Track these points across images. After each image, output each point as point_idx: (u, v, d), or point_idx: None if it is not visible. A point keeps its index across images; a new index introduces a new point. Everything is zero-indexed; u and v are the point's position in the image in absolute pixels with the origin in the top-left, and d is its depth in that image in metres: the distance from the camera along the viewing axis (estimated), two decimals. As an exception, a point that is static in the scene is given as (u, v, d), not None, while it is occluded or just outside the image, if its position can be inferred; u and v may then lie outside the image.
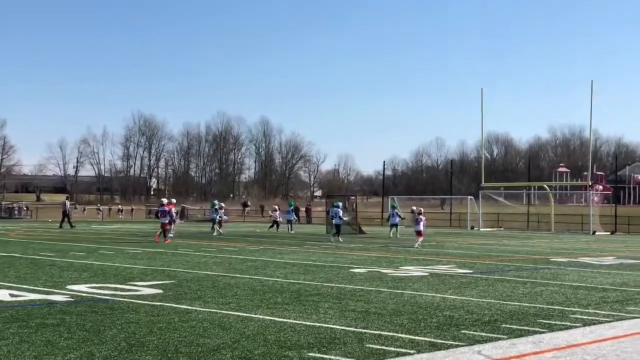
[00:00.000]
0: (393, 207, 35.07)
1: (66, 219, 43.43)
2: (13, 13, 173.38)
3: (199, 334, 8.20)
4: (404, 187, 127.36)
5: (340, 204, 32.71)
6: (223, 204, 38.43)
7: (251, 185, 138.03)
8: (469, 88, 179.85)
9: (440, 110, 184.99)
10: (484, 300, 11.70)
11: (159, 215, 29.64)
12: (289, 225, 40.25)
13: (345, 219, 32.82)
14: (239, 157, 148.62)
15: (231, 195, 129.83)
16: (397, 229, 34.26)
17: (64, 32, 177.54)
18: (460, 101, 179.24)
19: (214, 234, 34.18)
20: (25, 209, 72.75)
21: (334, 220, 30.80)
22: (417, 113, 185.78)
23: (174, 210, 31.39)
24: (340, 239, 29.66)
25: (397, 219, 34.41)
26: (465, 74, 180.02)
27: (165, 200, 30.57)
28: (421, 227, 27.16)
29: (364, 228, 39.77)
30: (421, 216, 27.63)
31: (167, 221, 28.57)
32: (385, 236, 34.05)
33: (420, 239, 26.99)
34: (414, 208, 30.94)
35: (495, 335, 8.43)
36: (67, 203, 46.46)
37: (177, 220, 33.28)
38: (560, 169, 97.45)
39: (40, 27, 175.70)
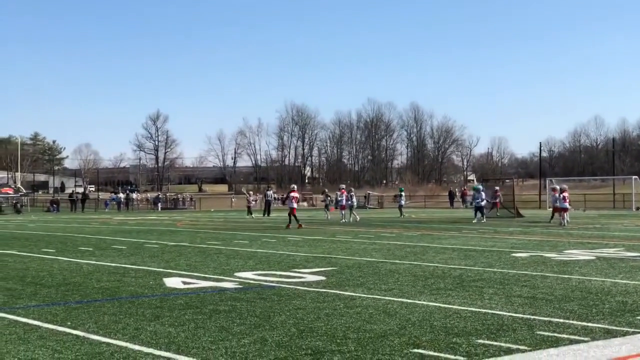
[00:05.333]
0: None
1: (268, 208, 44.53)
2: (172, 16, 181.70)
3: (365, 320, 8.25)
4: (561, 169, 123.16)
5: (481, 187, 36.24)
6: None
7: (404, 171, 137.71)
8: (626, 63, 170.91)
9: (598, 87, 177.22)
10: (658, 285, 11.11)
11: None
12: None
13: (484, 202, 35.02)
14: (391, 143, 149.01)
15: (384, 182, 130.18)
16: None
17: (219, 30, 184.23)
18: (619, 77, 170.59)
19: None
20: (189, 199, 76.31)
21: (475, 203, 34.16)
22: (573, 92, 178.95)
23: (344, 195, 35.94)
24: (482, 219, 32.85)
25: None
26: (622, 48, 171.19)
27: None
28: (567, 204, 29.88)
29: (521, 211, 39.01)
30: (564, 194, 29.98)
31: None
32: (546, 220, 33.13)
33: (565, 214, 29.78)
34: (556, 187, 32.62)
35: (675, 322, 7.98)
36: (270, 193, 47.45)
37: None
38: None
39: (197, 29, 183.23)
